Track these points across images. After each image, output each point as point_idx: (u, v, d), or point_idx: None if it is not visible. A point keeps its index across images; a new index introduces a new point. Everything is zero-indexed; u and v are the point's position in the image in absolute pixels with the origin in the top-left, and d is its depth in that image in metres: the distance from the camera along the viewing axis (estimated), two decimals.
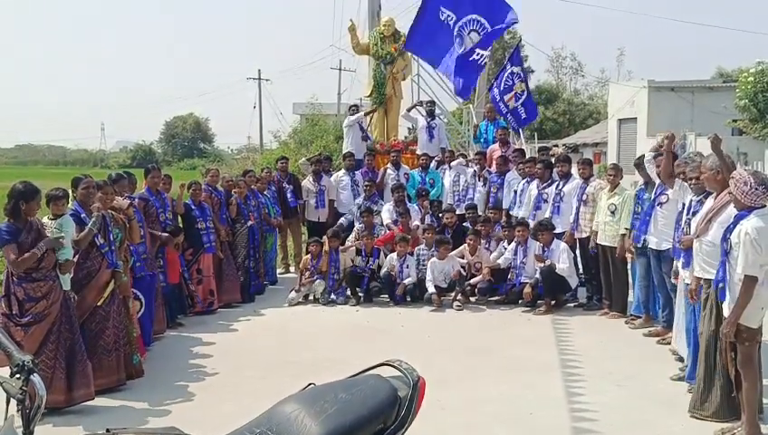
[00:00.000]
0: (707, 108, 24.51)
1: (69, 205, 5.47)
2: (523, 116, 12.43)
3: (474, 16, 10.82)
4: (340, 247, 8.99)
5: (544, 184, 8.80)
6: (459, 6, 10.95)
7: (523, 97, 12.35)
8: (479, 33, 10.82)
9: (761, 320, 4.44)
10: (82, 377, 5.14)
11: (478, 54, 10.70)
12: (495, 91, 12.38)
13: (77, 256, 5.37)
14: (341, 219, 10.03)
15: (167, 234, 7.46)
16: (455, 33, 10.85)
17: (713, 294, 4.75)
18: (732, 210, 4.57)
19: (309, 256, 9.11)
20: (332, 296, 8.82)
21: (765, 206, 4.35)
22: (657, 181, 6.75)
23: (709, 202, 5.07)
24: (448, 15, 10.82)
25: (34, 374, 2.35)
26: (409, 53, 12.51)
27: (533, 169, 9.06)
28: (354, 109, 12.39)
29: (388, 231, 9.38)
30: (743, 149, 20.79)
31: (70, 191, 5.58)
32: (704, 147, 7.24)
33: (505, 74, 12.29)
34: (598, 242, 7.79)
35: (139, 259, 6.61)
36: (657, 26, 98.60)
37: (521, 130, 13.69)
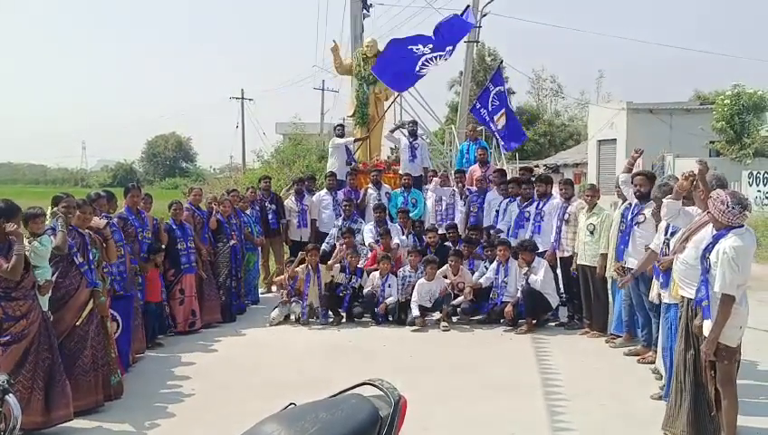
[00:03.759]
0: (685, 130, 24.87)
1: (48, 222, 5.40)
2: (514, 138, 12.56)
3: (440, 52, 10.92)
4: (327, 264, 8.93)
5: (525, 203, 8.88)
6: (428, 42, 11.02)
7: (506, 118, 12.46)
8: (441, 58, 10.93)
9: (740, 339, 4.48)
10: (61, 398, 5.05)
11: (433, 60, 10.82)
12: (483, 111, 12.43)
13: (55, 275, 5.30)
14: (324, 245, 9.90)
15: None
16: (420, 62, 10.91)
17: (685, 313, 4.79)
18: (708, 230, 4.62)
19: (285, 275, 9.07)
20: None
21: (743, 225, 4.41)
22: (635, 201, 6.82)
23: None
24: (418, 48, 10.91)
25: (10, 395, 2.33)
26: None
27: (517, 190, 9.13)
28: (340, 129, 12.36)
29: (371, 252, 9.38)
30: (719, 171, 21.11)
31: (48, 209, 5.52)
32: (681, 168, 7.39)
33: (490, 96, 12.37)
34: (578, 262, 7.82)
35: (117, 279, 6.54)
36: (635, 49, 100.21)
37: (502, 151, 13.82)
